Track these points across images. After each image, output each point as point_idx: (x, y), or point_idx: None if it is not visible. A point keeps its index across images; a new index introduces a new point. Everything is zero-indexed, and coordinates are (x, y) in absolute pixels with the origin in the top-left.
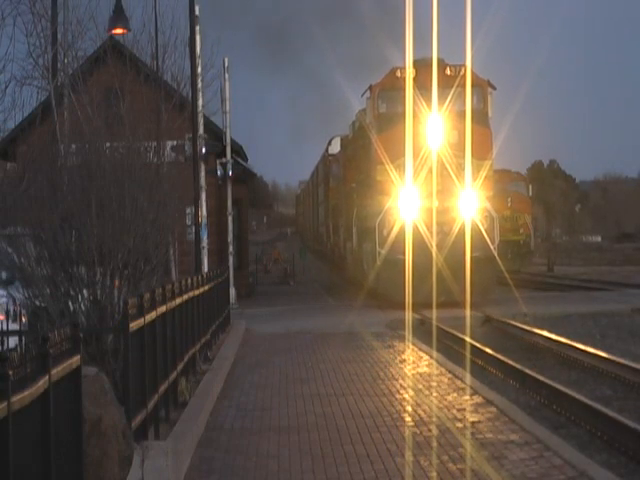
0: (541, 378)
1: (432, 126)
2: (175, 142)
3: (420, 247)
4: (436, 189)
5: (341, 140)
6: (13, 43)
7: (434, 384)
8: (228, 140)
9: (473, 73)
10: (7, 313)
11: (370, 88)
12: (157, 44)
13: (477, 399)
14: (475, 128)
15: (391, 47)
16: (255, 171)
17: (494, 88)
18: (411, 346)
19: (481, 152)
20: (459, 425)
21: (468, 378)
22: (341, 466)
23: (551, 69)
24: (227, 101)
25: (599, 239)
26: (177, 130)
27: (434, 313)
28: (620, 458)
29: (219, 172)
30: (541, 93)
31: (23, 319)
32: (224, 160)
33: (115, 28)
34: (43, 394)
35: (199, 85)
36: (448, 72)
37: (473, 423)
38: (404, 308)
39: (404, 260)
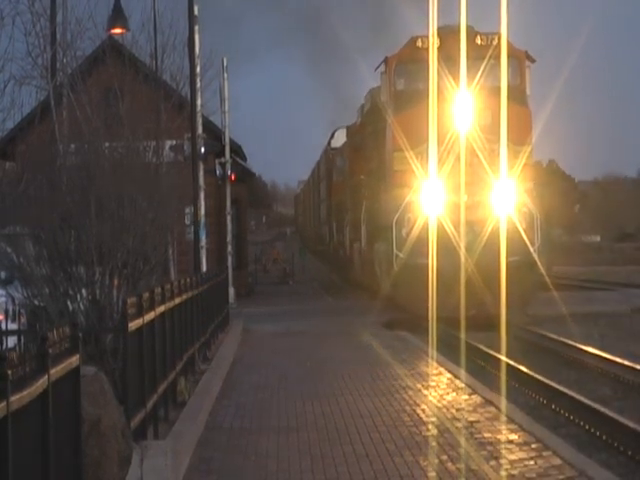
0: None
1: (460, 105)
2: (174, 142)
3: (446, 250)
4: (465, 180)
5: (347, 129)
6: (12, 42)
7: (432, 384)
8: (227, 140)
9: (509, 43)
10: (6, 313)
11: (386, 61)
12: (156, 44)
13: (476, 398)
14: (511, 107)
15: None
16: (254, 171)
17: (533, 61)
18: (417, 351)
19: (519, 136)
20: (455, 420)
21: (463, 374)
22: (340, 466)
23: (550, 68)
24: (226, 101)
25: (598, 239)
26: (176, 130)
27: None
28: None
29: (218, 172)
30: (539, 93)
31: (22, 319)
32: (223, 160)
33: (114, 28)
34: (42, 394)
35: (198, 85)
36: (479, 41)
37: (473, 423)
38: (427, 322)
39: (427, 265)
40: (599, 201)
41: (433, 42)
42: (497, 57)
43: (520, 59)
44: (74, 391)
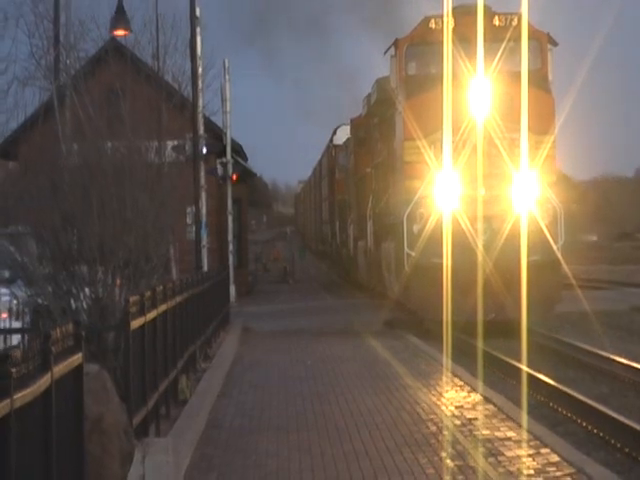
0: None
1: (477, 91)
2: (176, 142)
3: (462, 248)
4: (482, 173)
5: (351, 122)
6: (15, 44)
7: (432, 381)
8: (228, 140)
9: (529, 24)
10: (10, 311)
11: (396, 43)
12: (158, 44)
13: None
14: (533, 93)
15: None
16: (255, 171)
17: (555, 44)
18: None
19: (541, 124)
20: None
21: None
22: (340, 464)
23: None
24: (227, 101)
25: (595, 238)
26: (178, 130)
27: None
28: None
29: (219, 172)
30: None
31: (25, 317)
32: (224, 160)
33: (117, 29)
34: (45, 392)
35: (200, 85)
36: (497, 22)
37: (471, 420)
38: (443, 327)
39: (441, 265)
40: (597, 200)
41: (448, 22)
42: (516, 39)
43: (542, 41)
44: (77, 389)
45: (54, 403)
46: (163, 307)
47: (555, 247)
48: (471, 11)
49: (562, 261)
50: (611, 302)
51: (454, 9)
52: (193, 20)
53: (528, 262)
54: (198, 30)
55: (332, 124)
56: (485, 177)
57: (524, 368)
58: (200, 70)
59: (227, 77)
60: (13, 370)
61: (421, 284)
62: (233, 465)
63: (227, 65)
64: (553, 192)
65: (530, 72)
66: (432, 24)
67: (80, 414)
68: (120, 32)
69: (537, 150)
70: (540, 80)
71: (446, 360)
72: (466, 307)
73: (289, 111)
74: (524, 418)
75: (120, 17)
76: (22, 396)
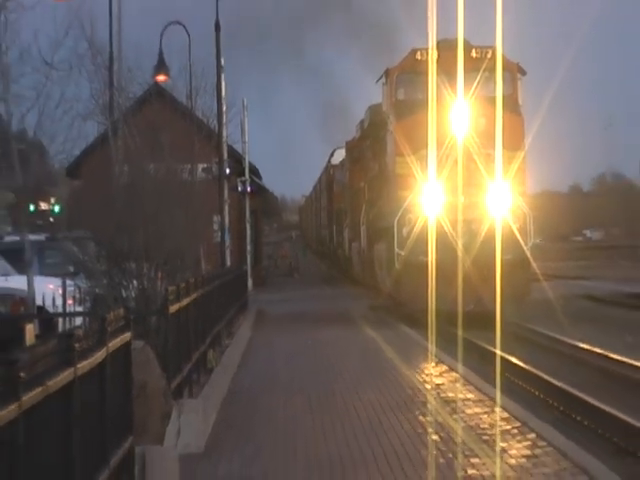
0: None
1: (457, 113)
2: (205, 165)
3: (445, 248)
4: (462, 183)
5: (346, 143)
6: (79, 88)
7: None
8: (247, 163)
9: (502, 56)
10: (74, 298)
11: (387, 72)
12: (191, 88)
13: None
14: (505, 115)
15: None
16: (267, 187)
17: (524, 73)
18: (397, 327)
19: (512, 142)
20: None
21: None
22: (337, 420)
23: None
24: (246, 132)
25: (538, 241)
26: (206, 155)
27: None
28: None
29: (239, 188)
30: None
31: (86, 303)
32: (243, 179)
33: (158, 75)
34: (101, 363)
35: (224, 120)
36: (474, 54)
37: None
38: (427, 317)
39: (427, 262)
40: (540, 210)
41: (432, 54)
42: (491, 69)
43: (513, 71)
44: (126, 361)
45: (108, 372)
46: (194, 295)
47: (525, 247)
48: (452, 45)
49: (531, 259)
50: (561, 290)
51: (437, 43)
52: (219, 68)
53: (502, 260)
54: (223, 76)
55: (329, 148)
56: (465, 187)
57: (485, 346)
58: (224, 108)
59: (245, 114)
60: (76, 345)
61: (409, 279)
62: (250, 420)
63: (245, 104)
64: (523, 200)
65: (503, 97)
66: (418, 55)
67: (129, 381)
68: (161, 78)
69: (509, 164)
70: (511, 104)
71: (430, 345)
72: (448, 298)
73: (295, 138)
74: (480, 383)
75: (161, 66)
76: (83, 366)
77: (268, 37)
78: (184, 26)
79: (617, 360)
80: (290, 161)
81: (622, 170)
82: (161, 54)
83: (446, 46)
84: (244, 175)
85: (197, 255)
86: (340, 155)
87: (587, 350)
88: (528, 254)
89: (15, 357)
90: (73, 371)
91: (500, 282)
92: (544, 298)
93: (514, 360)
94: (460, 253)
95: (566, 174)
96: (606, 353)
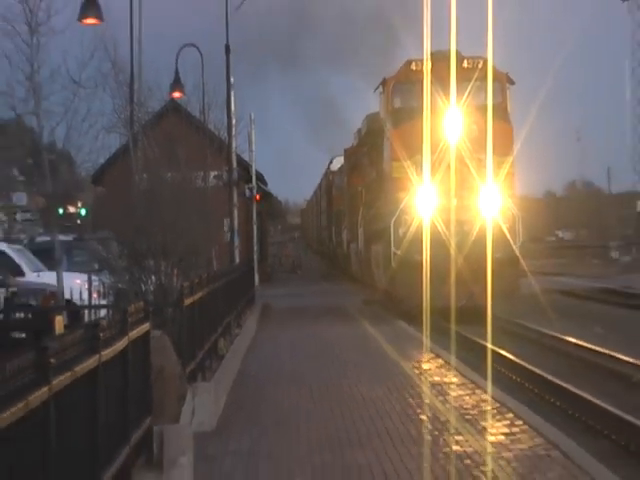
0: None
1: (450, 120)
2: (216, 172)
3: (439, 247)
4: (455, 186)
5: (344, 150)
6: (102, 103)
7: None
8: (253, 171)
9: (492, 67)
10: (99, 292)
11: (384, 82)
12: (204, 103)
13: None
14: (495, 123)
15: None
16: (272, 192)
17: (512, 83)
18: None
19: (502, 148)
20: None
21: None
22: (336, 406)
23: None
24: (253, 143)
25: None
26: (217, 164)
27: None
28: (530, 395)
29: (247, 194)
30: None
31: (109, 297)
32: (250, 185)
33: (174, 92)
34: (123, 350)
35: (233, 132)
36: (465, 65)
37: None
38: (421, 313)
39: (422, 261)
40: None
41: (427, 65)
42: (482, 79)
43: (502, 81)
44: (145, 348)
45: (130, 358)
46: (207, 289)
47: (514, 246)
48: (445, 55)
49: (520, 258)
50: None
51: (431, 54)
52: (229, 86)
53: (492, 258)
54: (232, 93)
55: (328, 156)
56: (457, 189)
57: (473, 338)
58: (234, 121)
59: (252, 126)
60: (101, 334)
61: (405, 276)
62: (257, 403)
63: (252, 117)
64: (512, 202)
65: (493, 106)
66: (413, 66)
67: (148, 366)
68: (177, 94)
69: (499, 168)
70: (501, 112)
71: (424, 338)
72: (442, 295)
73: (297, 148)
74: (465, 369)
75: (176, 84)
76: (107, 353)
77: (271, 55)
78: (197, 47)
79: (589, 349)
80: (293, 168)
81: (591, 178)
82: (177, 73)
83: (439, 57)
84: (251, 182)
85: (209, 254)
86: (338, 162)
87: (564, 340)
88: (517, 253)
89: (46, 345)
90: (98, 358)
91: (491, 279)
92: (530, 293)
93: (498, 350)
94: (453, 252)
95: (541, 181)
96: (580, 342)
